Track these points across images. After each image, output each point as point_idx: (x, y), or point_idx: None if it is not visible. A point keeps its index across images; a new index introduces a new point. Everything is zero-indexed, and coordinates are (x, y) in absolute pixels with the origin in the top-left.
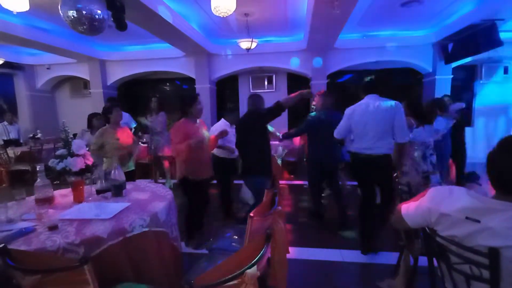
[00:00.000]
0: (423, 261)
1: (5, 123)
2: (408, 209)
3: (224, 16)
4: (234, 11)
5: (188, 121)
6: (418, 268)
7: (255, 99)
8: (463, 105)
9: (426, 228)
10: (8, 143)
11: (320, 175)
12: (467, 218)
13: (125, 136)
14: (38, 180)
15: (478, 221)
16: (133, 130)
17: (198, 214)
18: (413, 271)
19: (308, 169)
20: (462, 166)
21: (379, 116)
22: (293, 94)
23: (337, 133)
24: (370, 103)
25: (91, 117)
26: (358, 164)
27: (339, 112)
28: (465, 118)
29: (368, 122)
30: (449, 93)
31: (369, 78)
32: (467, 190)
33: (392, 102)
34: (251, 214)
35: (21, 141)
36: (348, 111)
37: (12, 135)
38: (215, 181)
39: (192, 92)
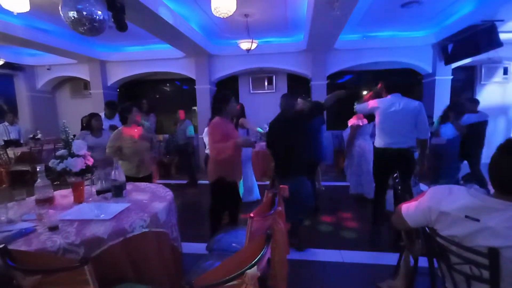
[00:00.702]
0: (423, 261)
1: (6, 123)
2: (409, 208)
3: (224, 17)
4: (234, 12)
5: (224, 119)
6: (418, 268)
7: (290, 99)
8: (474, 119)
9: (427, 228)
10: (9, 143)
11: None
12: (466, 217)
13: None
14: (39, 180)
15: (478, 220)
16: None
17: (229, 216)
18: (413, 272)
19: None
20: (475, 168)
21: (406, 113)
22: (330, 95)
23: (359, 108)
24: (396, 101)
25: (91, 117)
26: (386, 157)
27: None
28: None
29: (397, 119)
30: (449, 94)
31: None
32: (467, 189)
33: (416, 102)
34: (251, 215)
35: (22, 141)
36: (375, 102)
37: (13, 136)
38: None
39: (226, 91)
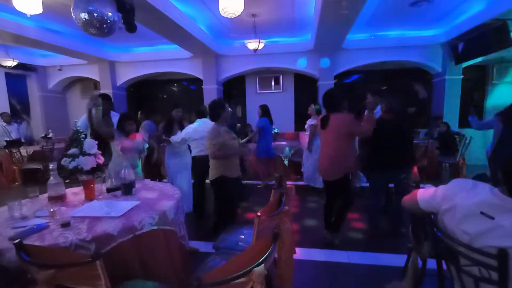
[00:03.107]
0: (431, 263)
1: (4, 123)
2: (426, 192)
3: (232, 17)
4: (241, 12)
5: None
6: (426, 270)
7: (395, 100)
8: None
9: (435, 229)
10: (11, 143)
11: None
12: (481, 213)
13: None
14: (51, 178)
15: (492, 218)
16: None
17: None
18: (421, 274)
19: None
20: None
21: None
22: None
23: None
24: None
25: (124, 120)
26: None
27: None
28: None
29: None
30: (459, 94)
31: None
32: (490, 187)
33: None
34: (259, 214)
35: (23, 140)
36: None
37: (14, 135)
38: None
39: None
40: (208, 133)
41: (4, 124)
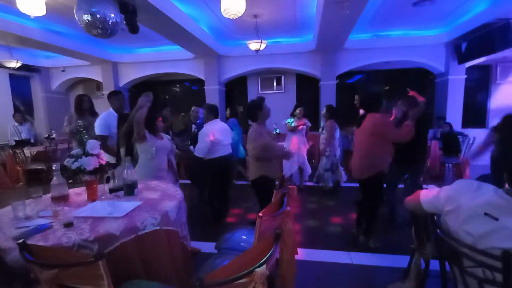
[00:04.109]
0: (434, 264)
1: (16, 123)
2: (429, 193)
3: (234, 18)
4: (243, 13)
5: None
6: (429, 271)
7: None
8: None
9: (438, 230)
10: (20, 143)
11: None
12: (486, 214)
13: None
14: (54, 178)
15: (497, 219)
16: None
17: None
18: (424, 275)
19: None
20: None
21: None
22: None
23: None
24: None
25: (154, 117)
26: None
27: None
28: None
29: None
30: (462, 94)
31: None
32: (495, 188)
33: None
34: (260, 214)
35: (32, 140)
36: None
37: (24, 135)
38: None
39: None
40: (249, 134)
41: (16, 124)
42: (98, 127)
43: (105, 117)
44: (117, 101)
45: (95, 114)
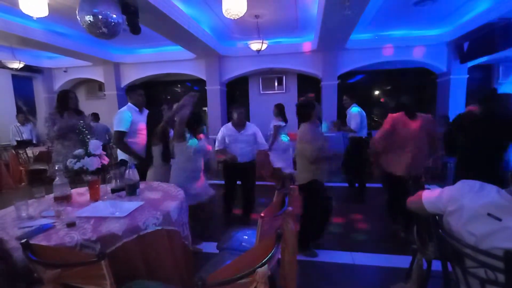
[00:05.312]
0: (436, 265)
1: (18, 124)
2: (431, 194)
3: (235, 18)
4: (244, 13)
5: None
6: (431, 272)
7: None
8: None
9: (440, 230)
10: (22, 143)
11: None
12: (489, 214)
13: None
14: (57, 179)
15: (500, 219)
16: None
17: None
18: (426, 275)
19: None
20: None
21: None
22: None
23: None
24: None
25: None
26: None
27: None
28: None
29: None
30: (465, 94)
31: None
32: (498, 189)
33: None
34: (262, 214)
35: (34, 141)
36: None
37: (26, 136)
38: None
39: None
40: (303, 134)
41: (18, 124)
42: (117, 121)
43: (125, 112)
44: (138, 96)
45: (80, 113)
